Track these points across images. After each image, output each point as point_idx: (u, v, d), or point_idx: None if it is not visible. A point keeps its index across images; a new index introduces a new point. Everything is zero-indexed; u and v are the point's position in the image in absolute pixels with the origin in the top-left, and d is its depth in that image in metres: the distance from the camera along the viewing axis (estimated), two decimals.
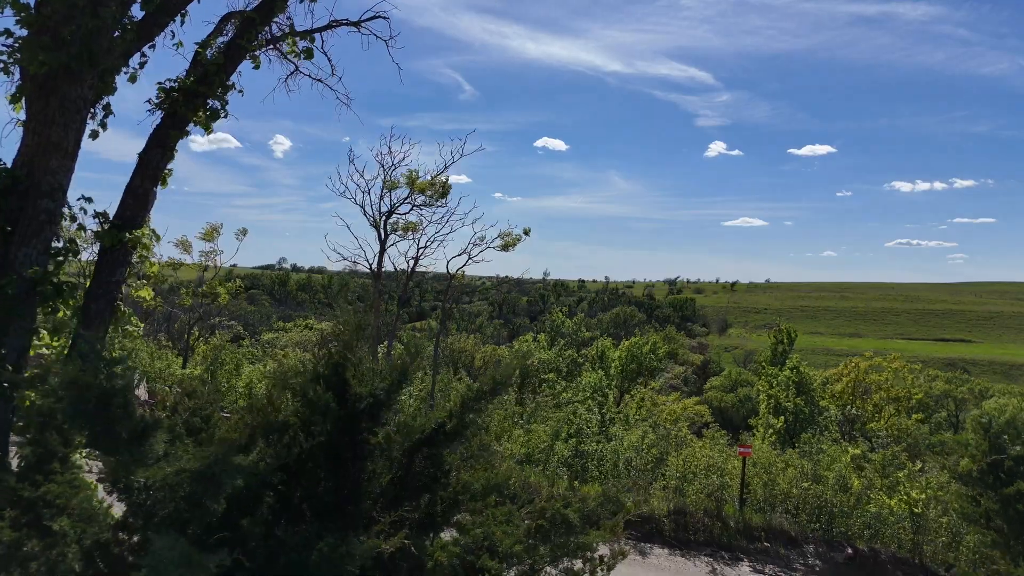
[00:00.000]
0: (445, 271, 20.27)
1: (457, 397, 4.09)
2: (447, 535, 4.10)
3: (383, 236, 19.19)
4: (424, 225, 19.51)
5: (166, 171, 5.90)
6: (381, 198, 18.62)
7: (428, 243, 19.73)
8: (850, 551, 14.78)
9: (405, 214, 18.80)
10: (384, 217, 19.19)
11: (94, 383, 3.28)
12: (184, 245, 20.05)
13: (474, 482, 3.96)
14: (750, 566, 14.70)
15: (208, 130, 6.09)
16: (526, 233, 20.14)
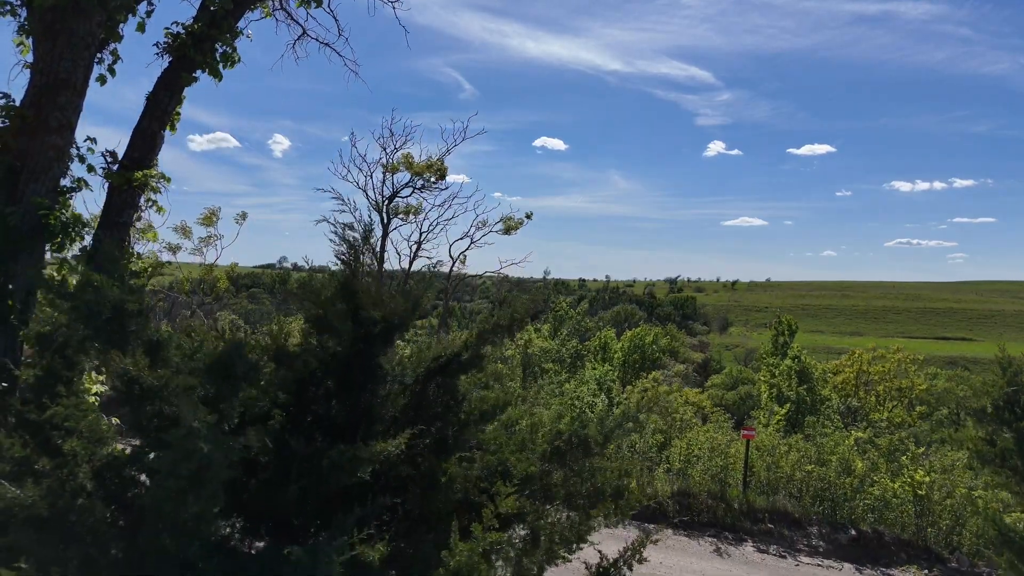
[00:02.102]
0: (448, 255, 20.27)
1: (474, 328, 4.06)
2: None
3: (386, 220, 19.19)
4: (427, 209, 19.53)
5: (174, 115, 5.88)
6: (383, 182, 18.62)
7: (431, 227, 19.74)
8: (854, 533, 14.76)
9: (406, 197, 18.81)
10: (386, 201, 19.19)
11: (112, 285, 3.24)
12: (184, 231, 19.98)
13: (486, 404, 3.92)
14: (754, 546, 14.68)
15: (218, 77, 6.06)
16: (528, 217, 20.16)
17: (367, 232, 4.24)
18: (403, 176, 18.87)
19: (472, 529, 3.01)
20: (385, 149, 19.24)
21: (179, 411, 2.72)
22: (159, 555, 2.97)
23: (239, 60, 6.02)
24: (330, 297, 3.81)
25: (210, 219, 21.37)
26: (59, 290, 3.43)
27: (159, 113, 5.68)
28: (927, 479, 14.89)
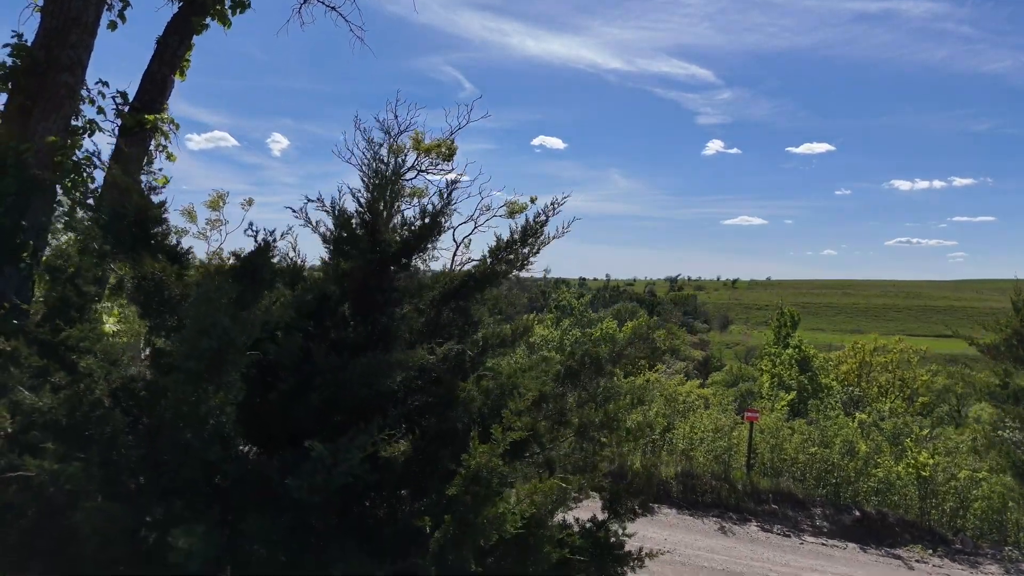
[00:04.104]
0: (452, 239, 20.14)
1: (489, 248, 4.05)
2: None
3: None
4: (432, 193, 19.42)
5: (184, 62, 5.86)
6: (387, 164, 18.47)
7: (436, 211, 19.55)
8: (858, 514, 14.76)
9: (411, 179, 18.69)
10: (390, 183, 19.03)
11: (135, 188, 3.23)
12: (190, 214, 19.90)
13: (503, 330, 3.92)
14: (758, 525, 14.68)
15: (227, 24, 6.04)
16: (532, 201, 20.07)
17: (397, 169, 4.23)
18: (408, 159, 18.81)
19: (492, 431, 3.00)
20: (389, 133, 19.10)
21: (201, 289, 2.70)
22: (180, 457, 2.96)
23: (248, 5, 6.01)
24: (350, 217, 3.80)
25: (216, 203, 21.32)
26: (80, 201, 3.42)
27: (169, 57, 5.67)
28: (931, 461, 14.90)
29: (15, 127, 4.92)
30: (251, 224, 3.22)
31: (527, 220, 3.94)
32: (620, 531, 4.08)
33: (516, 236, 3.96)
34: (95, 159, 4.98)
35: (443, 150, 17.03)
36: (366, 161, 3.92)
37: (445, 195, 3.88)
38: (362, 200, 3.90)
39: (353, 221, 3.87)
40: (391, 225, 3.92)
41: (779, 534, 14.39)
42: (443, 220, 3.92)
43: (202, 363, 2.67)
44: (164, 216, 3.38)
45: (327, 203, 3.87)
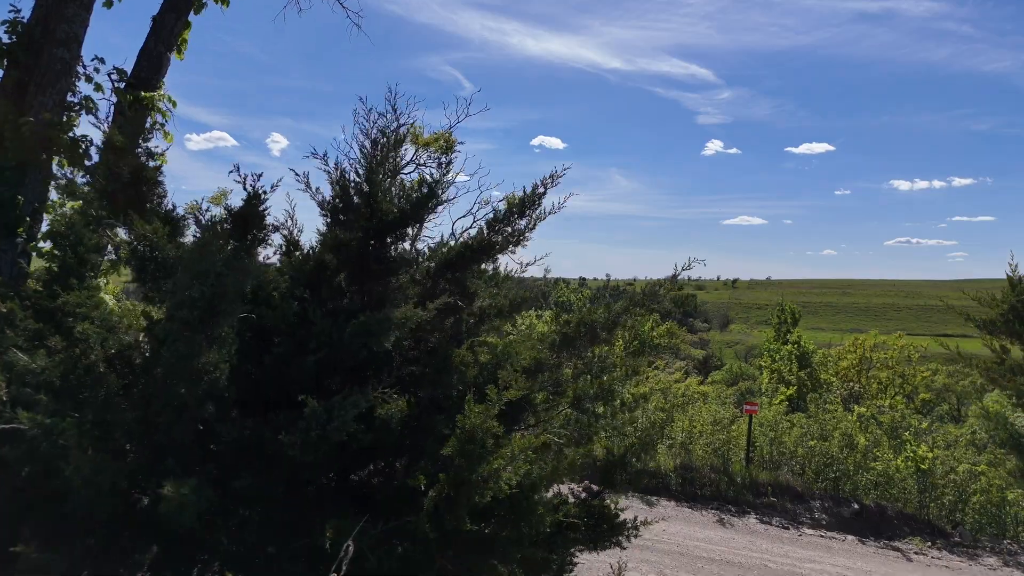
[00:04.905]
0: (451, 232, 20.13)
1: (487, 220, 4.03)
2: None
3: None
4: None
5: (181, 40, 5.84)
6: (387, 135, 18.44)
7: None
8: (856, 506, 14.75)
9: (409, 174, 18.68)
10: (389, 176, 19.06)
11: (131, 148, 3.21)
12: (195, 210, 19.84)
13: (499, 300, 3.91)
14: (757, 518, 14.67)
15: (225, 3, 6.03)
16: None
17: (398, 140, 4.21)
18: (407, 153, 18.75)
19: (487, 391, 2.99)
20: (385, 134, 19.03)
21: (199, 238, 2.69)
22: (173, 417, 2.94)
23: None
24: (349, 183, 3.79)
25: (219, 199, 21.32)
26: (76, 151, 3.40)
27: (165, 35, 5.65)
28: (930, 455, 14.91)
29: (11, 102, 4.92)
30: (236, 167, 3.18)
31: (525, 190, 3.92)
32: (613, 505, 4.08)
33: (514, 208, 3.95)
34: (90, 139, 4.98)
35: (442, 143, 17.02)
36: (365, 130, 3.90)
37: (443, 165, 3.86)
38: (360, 170, 3.89)
39: (352, 190, 3.85)
40: (389, 197, 3.91)
41: (778, 526, 14.38)
42: (440, 190, 3.91)
43: (195, 312, 2.65)
44: (159, 179, 3.37)
45: (327, 167, 3.84)
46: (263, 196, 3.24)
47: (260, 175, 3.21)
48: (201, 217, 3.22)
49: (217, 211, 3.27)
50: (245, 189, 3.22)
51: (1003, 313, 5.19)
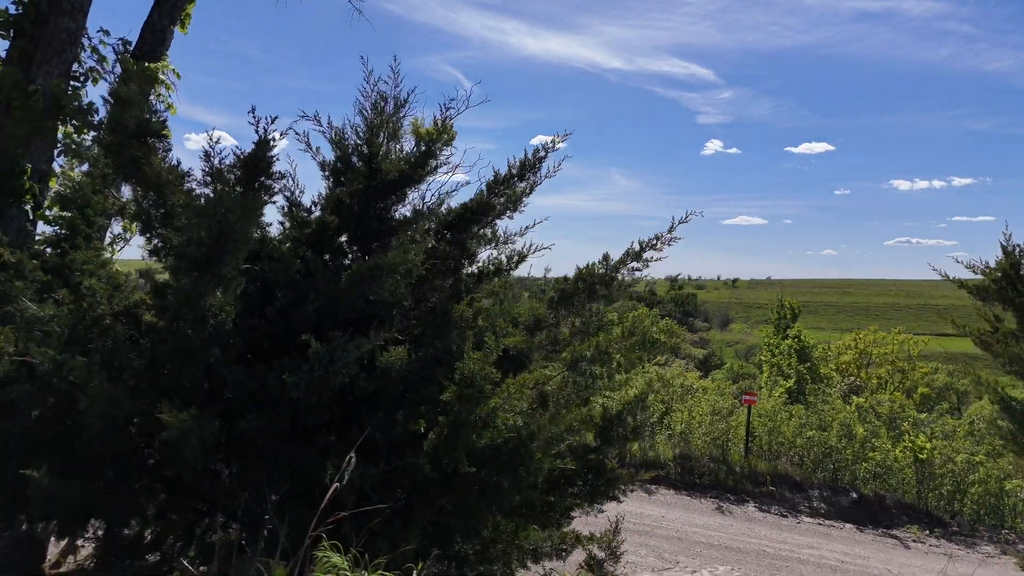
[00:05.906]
0: None
1: (487, 182, 4.11)
2: None
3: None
4: (431, 181, 19.39)
5: (184, 14, 5.91)
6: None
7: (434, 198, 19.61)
8: (855, 496, 14.82)
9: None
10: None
11: (136, 101, 3.28)
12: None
13: (498, 258, 3.98)
14: (756, 506, 14.73)
15: None
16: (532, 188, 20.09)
17: (398, 105, 4.27)
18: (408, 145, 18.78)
19: (486, 339, 3.06)
20: (385, 127, 19.08)
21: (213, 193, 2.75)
22: (180, 360, 3.01)
23: None
24: (346, 145, 3.86)
25: None
26: (85, 119, 3.48)
27: (168, 7, 5.72)
28: (928, 445, 15.00)
29: (18, 71, 4.99)
30: (253, 108, 3.23)
31: (526, 154, 4.00)
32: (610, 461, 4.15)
33: (514, 171, 4.02)
34: (96, 107, 5.04)
35: (443, 134, 17.04)
36: (365, 92, 3.97)
37: (439, 123, 3.93)
38: (361, 133, 3.96)
39: (350, 150, 3.92)
40: (389, 158, 3.98)
41: (776, 514, 14.45)
42: (438, 149, 3.98)
43: (202, 249, 2.72)
44: (164, 132, 3.43)
45: (327, 129, 3.91)
46: (272, 143, 3.31)
47: (275, 118, 3.29)
48: (212, 153, 3.27)
49: (228, 155, 3.33)
50: (256, 132, 3.28)
51: (996, 280, 5.25)
